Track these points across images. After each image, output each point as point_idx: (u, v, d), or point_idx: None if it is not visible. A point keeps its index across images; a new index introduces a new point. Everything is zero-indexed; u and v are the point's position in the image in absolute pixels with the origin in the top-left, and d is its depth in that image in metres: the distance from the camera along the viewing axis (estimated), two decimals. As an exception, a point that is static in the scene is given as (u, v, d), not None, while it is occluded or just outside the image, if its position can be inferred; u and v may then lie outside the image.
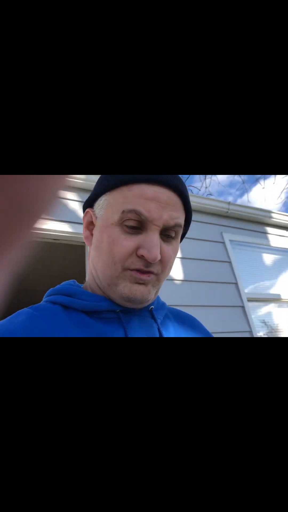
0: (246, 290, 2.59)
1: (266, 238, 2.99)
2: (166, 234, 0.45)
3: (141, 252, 0.43)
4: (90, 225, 0.50)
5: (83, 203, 0.51)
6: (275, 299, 2.74)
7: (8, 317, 0.43)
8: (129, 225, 0.43)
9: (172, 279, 2.23)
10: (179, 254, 2.42)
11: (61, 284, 0.51)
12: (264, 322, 2.58)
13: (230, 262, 2.61)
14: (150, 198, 0.43)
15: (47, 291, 0.51)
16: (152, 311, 0.51)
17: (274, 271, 2.92)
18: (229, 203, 2.76)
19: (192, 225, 2.54)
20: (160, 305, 0.54)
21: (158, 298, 0.55)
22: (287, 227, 3.09)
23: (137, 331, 0.46)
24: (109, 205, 0.45)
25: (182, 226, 0.47)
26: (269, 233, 3.02)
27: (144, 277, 0.44)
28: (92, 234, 0.50)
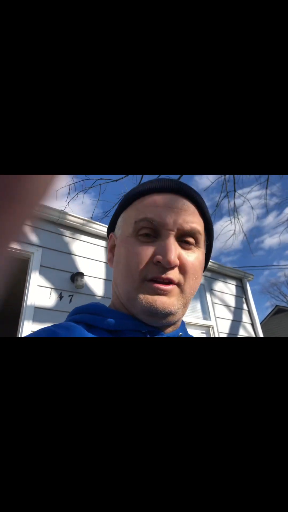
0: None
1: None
2: (185, 240, 0.43)
3: (157, 257, 0.41)
4: (112, 248, 0.51)
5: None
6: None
7: (27, 335, 0.41)
8: (143, 233, 0.43)
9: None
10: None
11: (87, 303, 0.50)
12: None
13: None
14: (161, 205, 0.43)
15: (72, 310, 0.50)
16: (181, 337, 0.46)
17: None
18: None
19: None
20: (188, 334, 0.51)
21: (184, 326, 0.51)
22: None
23: None
24: (124, 221, 0.46)
25: (202, 233, 0.45)
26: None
27: (164, 287, 0.42)
28: (114, 255, 0.49)
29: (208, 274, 4.25)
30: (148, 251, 0.42)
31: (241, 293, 4.61)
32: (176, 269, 0.42)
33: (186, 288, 0.44)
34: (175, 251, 0.41)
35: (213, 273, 4.36)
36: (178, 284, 0.43)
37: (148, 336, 0.43)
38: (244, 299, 4.59)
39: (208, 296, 4.08)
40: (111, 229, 0.52)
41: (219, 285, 4.35)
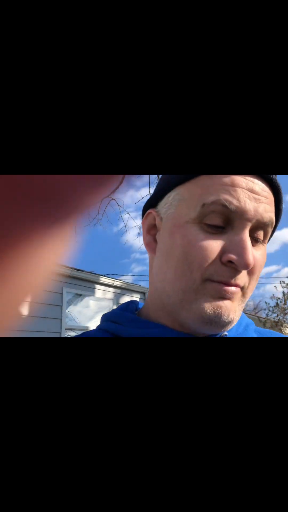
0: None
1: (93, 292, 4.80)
2: (255, 236, 0.35)
3: (230, 256, 0.33)
4: (152, 229, 0.40)
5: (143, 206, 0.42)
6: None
7: None
8: (212, 223, 0.33)
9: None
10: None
11: (114, 308, 0.44)
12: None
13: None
14: (240, 186, 0.33)
15: (102, 316, 0.44)
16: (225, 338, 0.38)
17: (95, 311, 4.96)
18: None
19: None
20: (243, 327, 0.41)
21: (240, 317, 0.41)
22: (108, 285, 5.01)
23: None
24: (182, 200, 0.35)
25: (272, 227, 0.37)
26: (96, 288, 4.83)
27: (232, 289, 0.34)
28: (155, 240, 0.39)
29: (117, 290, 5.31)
30: (216, 246, 0.33)
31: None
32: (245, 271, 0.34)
33: (248, 292, 0.36)
34: (251, 249, 0.33)
35: (121, 289, 5.32)
36: (242, 287, 0.35)
37: None
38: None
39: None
40: (150, 205, 0.41)
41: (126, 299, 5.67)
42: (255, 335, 0.42)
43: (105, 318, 0.42)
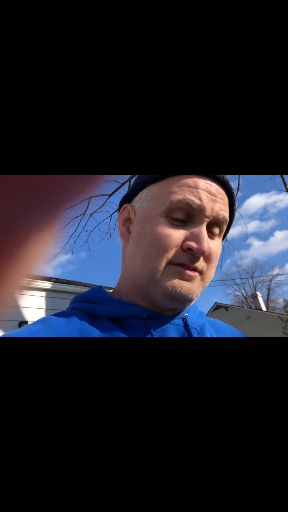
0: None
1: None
2: (211, 230, 0.43)
3: (189, 244, 0.40)
4: (127, 222, 0.47)
5: (119, 201, 0.50)
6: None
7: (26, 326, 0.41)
8: (176, 217, 0.40)
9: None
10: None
11: (86, 291, 0.49)
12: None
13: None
14: (202, 188, 0.40)
15: (72, 298, 0.49)
16: (186, 319, 0.45)
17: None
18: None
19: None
20: (197, 314, 0.49)
21: (195, 305, 0.49)
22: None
23: None
24: (153, 196, 0.42)
25: (227, 224, 0.45)
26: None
27: (190, 273, 0.41)
28: (129, 231, 0.46)
29: None
30: (179, 235, 0.40)
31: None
32: (201, 257, 0.41)
33: (207, 277, 0.43)
34: (208, 240, 0.40)
35: None
36: (201, 272, 0.42)
37: (148, 320, 0.43)
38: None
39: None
40: (127, 200, 0.47)
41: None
42: (205, 322, 0.50)
43: (78, 299, 0.47)
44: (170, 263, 0.41)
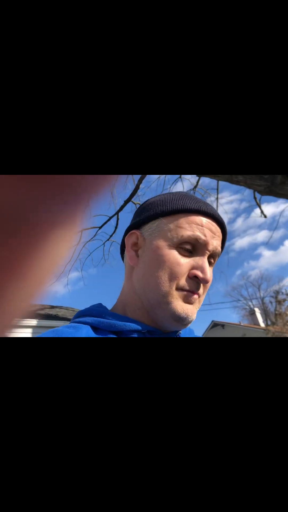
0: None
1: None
2: (209, 261, 0.50)
3: (195, 272, 0.47)
4: (134, 246, 0.52)
5: (126, 228, 0.56)
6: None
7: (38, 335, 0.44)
8: (186, 248, 0.47)
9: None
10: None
11: (88, 306, 0.53)
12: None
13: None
14: (206, 227, 0.48)
15: (76, 313, 0.52)
16: (179, 335, 0.51)
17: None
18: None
19: None
20: (188, 331, 0.55)
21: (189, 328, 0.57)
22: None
23: None
24: (164, 228, 0.49)
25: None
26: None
27: (195, 297, 0.47)
28: (137, 255, 0.52)
29: None
30: (187, 265, 0.47)
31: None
32: (201, 284, 0.48)
33: (201, 299, 0.50)
34: (209, 269, 0.48)
35: None
36: (199, 296, 0.49)
37: (148, 335, 0.48)
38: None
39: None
40: (136, 226, 0.53)
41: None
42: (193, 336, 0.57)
43: (82, 313, 0.51)
44: (178, 288, 0.47)
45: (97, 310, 0.50)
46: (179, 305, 0.46)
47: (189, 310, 0.47)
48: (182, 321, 0.47)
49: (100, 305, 0.53)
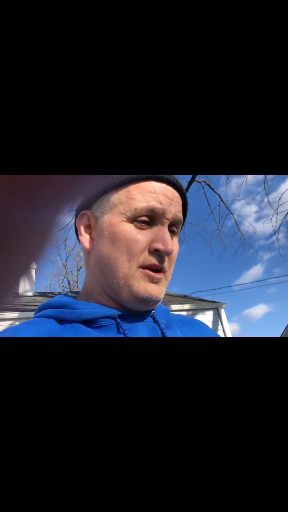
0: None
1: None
2: (171, 230, 0.46)
3: (156, 245, 0.42)
4: (87, 229, 0.48)
5: (75, 209, 0.50)
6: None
7: None
8: (142, 220, 0.43)
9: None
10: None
11: (52, 298, 0.49)
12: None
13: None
14: (161, 194, 0.43)
15: (38, 306, 0.49)
16: (153, 315, 0.48)
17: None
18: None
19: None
20: (163, 309, 0.52)
21: (160, 303, 0.52)
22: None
23: (138, 336, 0.44)
24: (117, 202, 0.44)
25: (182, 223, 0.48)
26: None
27: (158, 275, 0.44)
28: (92, 238, 0.47)
29: (192, 306, 5.47)
30: (145, 239, 0.43)
31: (217, 320, 5.68)
32: (166, 257, 0.44)
33: (168, 275, 0.46)
34: (171, 241, 0.43)
35: (192, 307, 5.51)
36: (165, 271, 0.45)
37: (119, 319, 0.44)
38: (220, 325, 5.61)
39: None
40: (84, 207, 0.48)
41: (198, 316, 5.47)
42: (172, 317, 0.54)
43: (44, 306, 0.48)
44: (139, 266, 0.43)
45: (59, 302, 0.46)
46: (142, 286, 0.43)
47: (154, 290, 0.43)
48: (148, 302, 0.44)
49: (63, 296, 0.49)
